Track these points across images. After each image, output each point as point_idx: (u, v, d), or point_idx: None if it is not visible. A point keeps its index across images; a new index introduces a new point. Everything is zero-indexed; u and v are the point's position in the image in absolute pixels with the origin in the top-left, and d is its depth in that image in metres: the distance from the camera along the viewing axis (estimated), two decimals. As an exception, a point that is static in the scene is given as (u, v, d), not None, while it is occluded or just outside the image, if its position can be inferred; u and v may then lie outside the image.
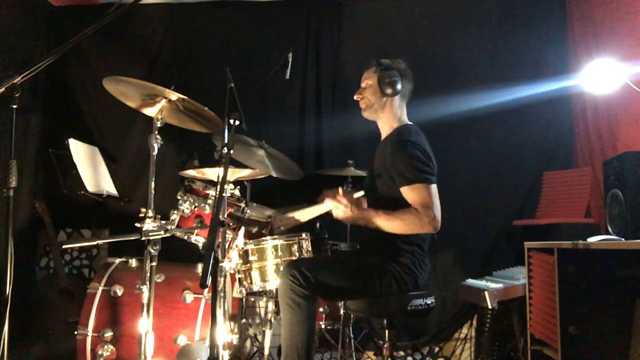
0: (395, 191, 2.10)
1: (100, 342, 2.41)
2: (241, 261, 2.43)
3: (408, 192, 2.04)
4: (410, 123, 2.29)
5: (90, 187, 3.15)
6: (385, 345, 2.19)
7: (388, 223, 2.03)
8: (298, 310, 1.94)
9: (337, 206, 2.06)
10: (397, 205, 2.05)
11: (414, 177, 2.03)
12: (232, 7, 3.76)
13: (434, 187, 2.05)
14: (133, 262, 2.63)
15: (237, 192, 2.58)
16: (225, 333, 2.19)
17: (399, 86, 2.20)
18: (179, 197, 2.55)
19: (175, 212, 2.51)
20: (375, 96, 2.25)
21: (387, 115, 2.27)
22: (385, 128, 2.31)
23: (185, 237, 2.52)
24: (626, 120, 2.74)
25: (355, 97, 2.32)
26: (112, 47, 3.73)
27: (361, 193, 2.15)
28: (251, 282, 2.40)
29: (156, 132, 2.22)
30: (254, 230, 2.54)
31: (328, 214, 2.19)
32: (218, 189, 1.96)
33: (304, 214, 2.35)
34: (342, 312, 2.74)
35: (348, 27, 3.65)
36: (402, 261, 2.09)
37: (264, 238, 2.43)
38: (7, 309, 1.75)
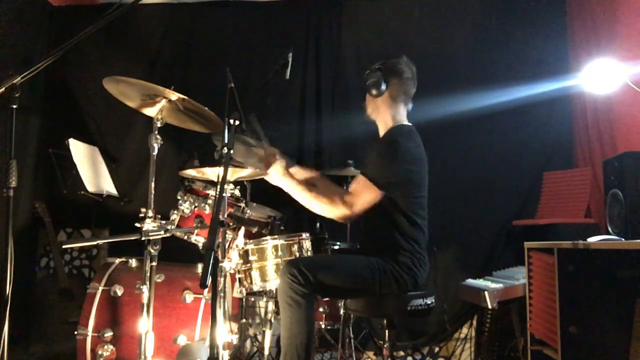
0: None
1: (100, 342, 2.41)
2: (241, 261, 2.43)
3: (360, 180, 2.12)
4: (407, 124, 2.29)
5: (90, 187, 3.15)
6: (385, 345, 2.19)
7: (308, 199, 2.12)
8: (298, 309, 1.94)
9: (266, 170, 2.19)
10: (387, 204, 2.11)
11: (371, 173, 2.10)
12: (232, 7, 3.76)
13: (377, 192, 2.08)
14: (133, 262, 2.63)
15: (237, 192, 2.58)
16: (225, 333, 2.19)
17: (382, 87, 2.24)
18: (179, 197, 2.55)
19: (175, 212, 2.51)
20: (369, 99, 2.32)
21: (382, 115, 2.30)
22: (381, 128, 2.33)
23: (185, 237, 2.52)
24: (626, 120, 2.74)
25: (363, 105, 2.39)
26: (112, 47, 3.74)
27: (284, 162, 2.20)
28: (251, 282, 2.40)
29: (156, 132, 2.22)
30: (254, 230, 2.54)
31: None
32: (218, 189, 1.96)
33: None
34: (342, 312, 2.74)
35: (348, 27, 3.66)
36: (402, 260, 2.10)
37: (264, 238, 2.43)
38: (7, 309, 1.75)
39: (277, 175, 2.18)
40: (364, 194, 2.09)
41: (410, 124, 2.30)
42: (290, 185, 2.17)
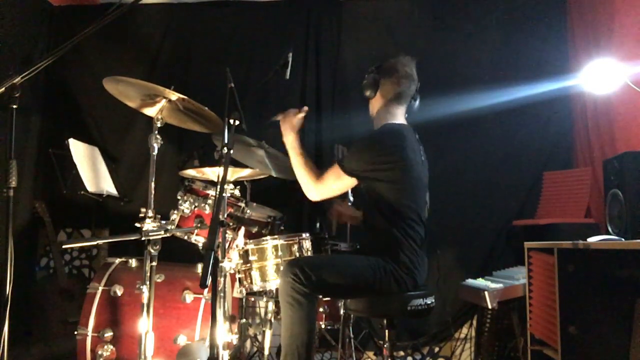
0: (376, 187, 2.15)
1: (100, 342, 2.41)
2: (241, 261, 2.43)
3: (333, 167, 2.19)
4: (398, 122, 2.28)
5: (90, 187, 3.15)
6: (385, 345, 2.18)
7: (294, 164, 2.25)
8: (299, 309, 1.94)
9: (281, 118, 2.37)
10: (380, 202, 2.13)
11: (344, 162, 2.17)
12: (232, 7, 3.75)
13: (347, 180, 2.17)
14: (133, 262, 2.63)
15: (237, 192, 2.58)
16: (225, 333, 2.19)
17: (374, 88, 2.28)
18: (179, 197, 2.55)
19: (175, 212, 2.52)
20: (369, 101, 2.35)
21: (377, 116, 2.33)
22: (375, 128, 2.34)
23: (185, 237, 2.52)
24: (626, 120, 2.74)
25: None
26: (112, 47, 3.73)
27: (303, 113, 2.37)
28: (251, 282, 2.40)
29: (156, 132, 2.23)
30: (254, 230, 2.54)
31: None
32: (218, 189, 1.96)
33: None
34: (342, 312, 2.74)
35: (348, 27, 3.65)
36: (401, 260, 2.10)
37: (264, 238, 2.43)
38: (7, 309, 1.75)
39: (292, 127, 2.32)
40: (330, 176, 2.18)
41: (401, 122, 2.28)
42: (295, 141, 2.29)
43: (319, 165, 3.45)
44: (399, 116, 2.30)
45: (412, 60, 2.31)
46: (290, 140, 2.29)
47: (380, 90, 2.28)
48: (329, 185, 2.19)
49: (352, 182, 2.19)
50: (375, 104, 2.32)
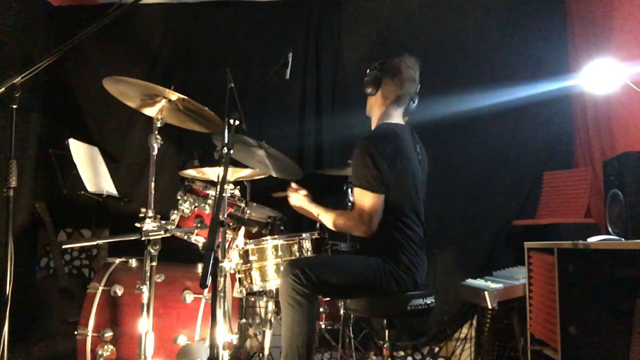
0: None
1: (100, 342, 2.41)
2: (241, 261, 2.43)
3: (355, 192, 2.15)
4: (394, 122, 2.27)
5: (90, 187, 3.15)
6: (385, 345, 2.18)
7: (325, 219, 2.22)
8: (299, 309, 1.94)
9: (290, 195, 2.37)
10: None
11: (358, 182, 2.11)
12: (232, 7, 3.75)
13: (374, 196, 2.08)
14: (133, 262, 2.63)
15: (237, 192, 2.58)
16: (225, 333, 2.19)
17: (376, 87, 2.26)
18: (179, 197, 2.55)
19: (175, 212, 2.52)
20: (368, 97, 2.35)
21: (374, 114, 2.33)
22: (372, 127, 2.34)
23: (185, 237, 2.52)
24: (626, 120, 2.74)
25: None
26: (112, 47, 3.73)
27: (303, 192, 2.37)
28: (251, 282, 2.40)
29: (156, 132, 2.23)
30: (254, 230, 2.54)
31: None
32: (218, 189, 1.96)
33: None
34: (342, 312, 2.74)
35: (348, 27, 3.65)
36: (401, 260, 2.10)
37: (264, 238, 2.43)
38: (7, 309, 1.75)
39: (303, 200, 2.34)
40: (359, 203, 2.11)
41: (397, 122, 2.27)
42: (315, 207, 2.29)
43: (319, 165, 3.49)
44: (396, 117, 2.30)
45: (417, 61, 2.29)
46: (311, 209, 2.30)
47: (382, 89, 2.26)
48: (367, 211, 2.08)
49: (380, 196, 2.09)
50: (374, 102, 2.31)
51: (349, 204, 2.82)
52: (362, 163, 2.10)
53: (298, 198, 2.35)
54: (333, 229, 2.23)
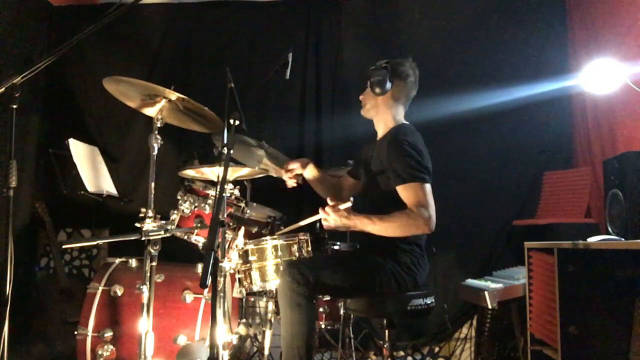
0: (382, 185, 2.14)
1: (100, 342, 2.41)
2: (241, 261, 2.43)
3: (403, 191, 2.05)
4: (407, 123, 2.29)
5: (90, 187, 3.15)
6: (385, 345, 2.19)
7: (382, 227, 2.02)
8: (298, 310, 1.94)
9: (325, 217, 2.06)
10: (398, 201, 2.06)
11: (409, 176, 2.03)
12: (232, 7, 3.76)
13: (428, 187, 2.04)
14: (133, 262, 2.63)
15: (237, 192, 2.58)
16: (225, 333, 2.19)
17: (387, 86, 2.20)
18: (179, 197, 2.55)
19: (175, 212, 2.52)
20: (369, 95, 2.30)
21: (382, 114, 2.30)
22: (381, 127, 2.32)
23: (185, 237, 2.52)
24: (626, 120, 2.74)
25: (360, 97, 2.36)
26: (112, 47, 3.73)
27: (348, 204, 2.05)
28: (251, 282, 2.39)
29: (156, 132, 2.22)
30: (254, 230, 2.54)
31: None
32: (218, 189, 1.96)
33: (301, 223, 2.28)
34: (342, 312, 2.74)
35: (348, 27, 3.65)
36: (401, 260, 2.10)
37: (264, 238, 2.43)
38: (7, 309, 1.75)
39: (345, 214, 2.03)
40: (421, 196, 1.99)
41: (408, 123, 2.30)
42: (361, 218, 2.04)
43: (318, 165, 3.48)
44: (404, 117, 2.32)
45: (415, 65, 2.31)
46: (359, 225, 2.05)
47: (392, 90, 2.24)
48: (425, 205, 1.97)
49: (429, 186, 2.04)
50: (382, 103, 2.27)
51: (350, 203, 2.80)
52: (407, 157, 2.05)
53: (339, 217, 2.03)
54: (390, 235, 2.04)
